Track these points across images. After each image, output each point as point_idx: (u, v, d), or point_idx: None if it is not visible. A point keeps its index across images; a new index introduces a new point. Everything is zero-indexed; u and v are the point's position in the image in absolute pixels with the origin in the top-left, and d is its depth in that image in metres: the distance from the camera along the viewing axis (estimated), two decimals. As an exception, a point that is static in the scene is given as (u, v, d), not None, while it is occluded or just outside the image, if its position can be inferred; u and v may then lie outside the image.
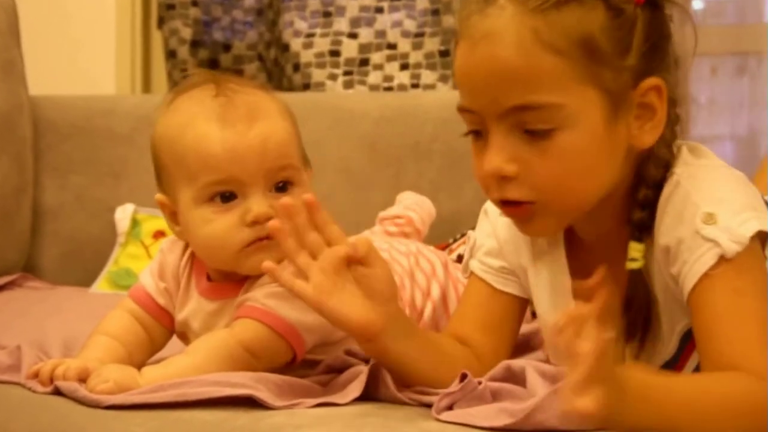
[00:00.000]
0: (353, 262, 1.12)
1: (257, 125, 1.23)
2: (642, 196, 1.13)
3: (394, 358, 1.14)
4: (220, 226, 1.23)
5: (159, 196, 1.29)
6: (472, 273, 1.28)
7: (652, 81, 1.11)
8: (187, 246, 1.32)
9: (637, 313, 1.15)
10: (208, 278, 1.30)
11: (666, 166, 1.14)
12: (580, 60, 1.07)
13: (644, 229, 1.13)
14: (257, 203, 1.22)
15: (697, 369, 1.15)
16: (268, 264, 1.12)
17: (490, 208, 1.28)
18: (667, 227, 1.11)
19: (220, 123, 1.23)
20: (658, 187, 1.13)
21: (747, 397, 1.00)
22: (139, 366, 1.23)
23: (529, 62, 1.07)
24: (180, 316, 1.31)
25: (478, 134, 1.12)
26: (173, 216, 1.29)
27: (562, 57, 1.07)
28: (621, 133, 1.11)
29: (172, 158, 1.25)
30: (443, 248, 1.80)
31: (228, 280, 1.27)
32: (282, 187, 1.24)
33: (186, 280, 1.31)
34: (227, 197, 1.23)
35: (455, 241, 1.87)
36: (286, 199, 1.13)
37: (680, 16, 1.17)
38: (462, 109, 1.13)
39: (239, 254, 1.23)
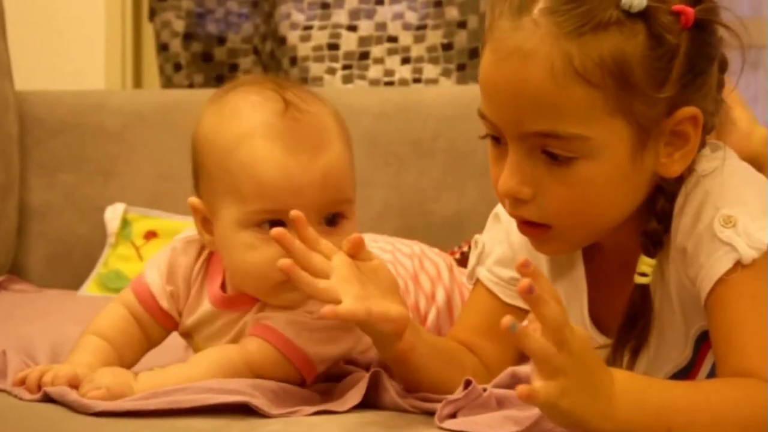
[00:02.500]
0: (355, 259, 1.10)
1: (322, 157, 1.18)
2: (659, 208, 1.11)
3: (415, 357, 1.12)
4: (262, 256, 1.18)
5: (193, 199, 1.24)
6: (478, 281, 1.26)
7: (688, 111, 1.08)
8: (202, 249, 1.28)
9: (642, 328, 1.14)
10: (222, 287, 1.26)
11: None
12: (613, 91, 1.04)
13: (657, 243, 1.11)
14: None
15: (712, 370, 1.14)
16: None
17: (502, 212, 1.24)
18: (685, 226, 1.10)
19: (283, 148, 1.17)
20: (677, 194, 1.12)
21: (755, 403, 1.00)
22: (131, 364, 1.22)
23: (559, 91, 1.04)
24: (188, 321, 1.28)
25: (497, 140, 1.10)
26: (205, 223, 1.24)
27: (594, 88, 1.04)
28: (647, 162, 1.09)
29: (221, 170, 1.20)
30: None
31: (244, 293, 1.24)
32: (332, 219, 1.20)
33: (198, 286, 1.27)
34: (275, 224, 1.17)
35: (459, 248, 1.84)
36: (277, 230, 1.09)
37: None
38: (482, 116, 1.10)
39: (275, 288, 1.19)
